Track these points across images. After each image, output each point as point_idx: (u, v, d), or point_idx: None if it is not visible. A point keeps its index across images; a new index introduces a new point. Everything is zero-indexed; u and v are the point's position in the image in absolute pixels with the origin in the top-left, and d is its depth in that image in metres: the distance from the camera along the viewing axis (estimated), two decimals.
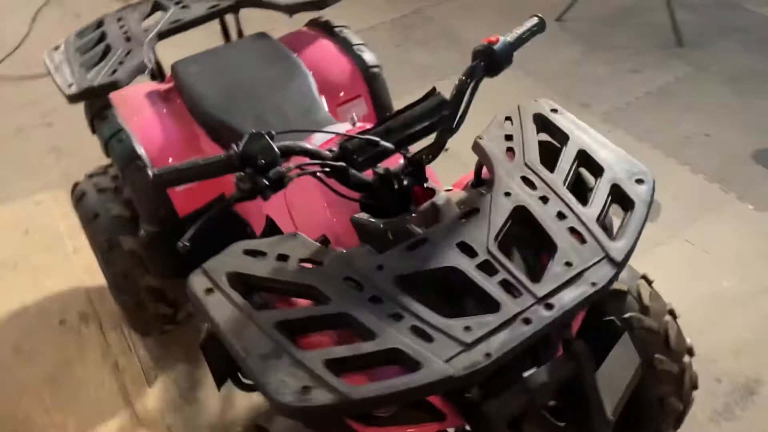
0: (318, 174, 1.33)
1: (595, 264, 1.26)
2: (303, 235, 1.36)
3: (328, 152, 1.33)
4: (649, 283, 1.78)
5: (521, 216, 1.36)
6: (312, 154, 1.31)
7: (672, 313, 1.76)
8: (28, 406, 2.29)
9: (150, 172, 1.21)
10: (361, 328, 1.18)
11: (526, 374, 1.30)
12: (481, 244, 1.30)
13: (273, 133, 1.24)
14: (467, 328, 1.17)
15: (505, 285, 1.24)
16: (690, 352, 1.76)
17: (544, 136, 1.56)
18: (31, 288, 2.72)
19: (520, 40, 1.50)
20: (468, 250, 1.29)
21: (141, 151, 1.89)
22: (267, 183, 1.19)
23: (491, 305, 1.21)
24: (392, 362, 1.15)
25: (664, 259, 2.75)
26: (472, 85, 1.46)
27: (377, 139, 1.33)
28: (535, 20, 1.55)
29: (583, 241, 1.30)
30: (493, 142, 1.52)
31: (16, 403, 2.30)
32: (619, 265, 1.26)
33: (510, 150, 1.50)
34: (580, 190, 1.46)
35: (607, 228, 1.34)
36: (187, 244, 1.16)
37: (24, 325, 2.57)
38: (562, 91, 3.83)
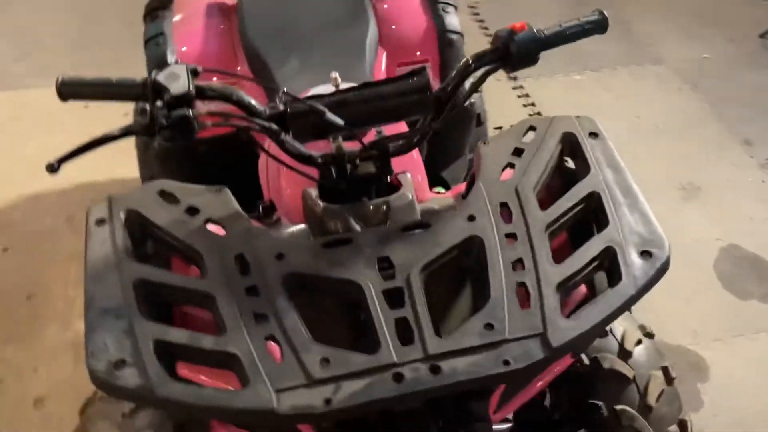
0: (251, 134, 1.15)
1: (522, 338, 0.97)
2: (228, 193, 1.19)
3: (266, 109, 1.14)
4: (670, 379, 1.41)
5: (471, 249, 1.09)
6: (244, 106, 1.13)
7: (684, 426, 1.38)
8: (54, 275, 2.39)
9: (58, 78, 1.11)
10: (217, 318, 1.01)
11: None
12: (405, 267, 1.06)
13: (199, 69, 1.08)
14: (325, 360, 0.96)
15: (402, 325, 1.00)
16: None
17: (568, 162, 1.25)
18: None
19: (561, 37, 1.19)
20: (387, 269, 1.06)
21: (171, 59, 1.81)
22: (167, 122, 1.03)
23: (372, 343, 0.98)
24: (226, 367, 0.97)
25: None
26: (478, 73, 1.18)
27: (323, 109, 1.11)
28: (594, 16, 1.22)
29: (526, 304, 1.01)
30: (496, 151, 1.24)
31: (46, 270, 2.41)
32: (554, 351, 0.96)
33: (510, 166, 1.20)
34: (580, 238, 1.14)
35: (566, 298, 1.03)
36: (56, 165, 1.05)
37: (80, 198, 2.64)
38: (729, 119, 3.23)
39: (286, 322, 1.00)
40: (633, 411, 1.35)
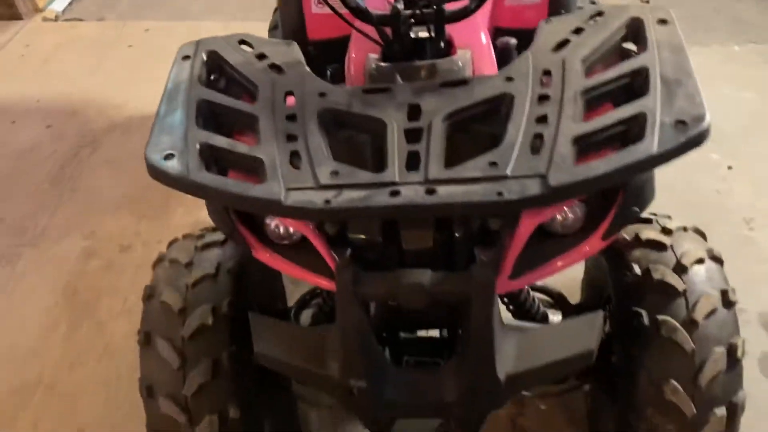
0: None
1: (522, 177, 0.99)
2: (296, 47, 1.31)
3: None
4: (727, 302, 1.31)
5: (501, 104, 1.11)
6: None
7: (733, 349, 1.28)
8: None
9: None
10: (256, 132, 1.13)
11: (404, 269, 1.11)
12: (432, 113, 1.11)
13: None
14: (335, 173, 1.04)
15: (413, 156, 1.05)
16: None
17: (629, 46, 1.21)
18: None
19: None
20: (414, 114, 1.12)
21: None
22: None
23: (381, 166, 1.05)
24: (253, 171, 1.09)
25: None
26: None
27: None
28: None
29: (536, 151, 1.02)
30: (556, 28, 1.23)
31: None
32: (551, 191, 0.96)
33: (565, 43, 1.20)
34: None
35: (586, 154, 1.02)
36: None
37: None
38: None
39: (311, 142, 1.10)
40: (675, 323, 1.28)
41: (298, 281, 2.09)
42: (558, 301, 1.59)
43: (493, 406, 1.17)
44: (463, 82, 1.16)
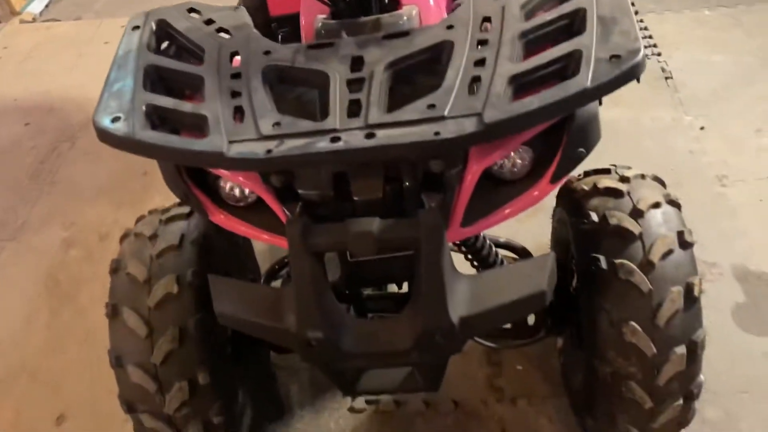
0: None
1: (459, 116, 1.00)
2: (244, 12, 1.32)
3: None
4: (684, 243, 1.33)
5: (441, 52, 1.12)
6: None
7: (690, 289, 1.30)
8: None
9: None
10: (201, 92, 1.15)
11: (353, 219, 1.12)
12: (373, 63, 1.12)
13: None
14: (277, 124, 1.06)
15: (354, 103, 1.06)
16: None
17: None
18: None
19: None
20: (357, 65, 1.13)
21: None
22: None
23: (325, 113, 1.06)
24: (198, 129, 1.10)
25: None
26: None
27: None
28: None
29: (473, 91, 1.03)
30: None
31: None
32: (487, 128, 0.98)
33: None
34: None
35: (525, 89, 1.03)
36: None
37: None
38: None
39: (255, 97, 1.11)
40: (632, 265, 1.30)
41: (269, 253, 2.13)
42: (522, 255, 1.61)
43: (449, 350, 1.19)
44: (405, 34, 1.18)
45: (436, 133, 0.98)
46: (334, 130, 1.03)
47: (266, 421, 1.79)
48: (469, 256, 1.54)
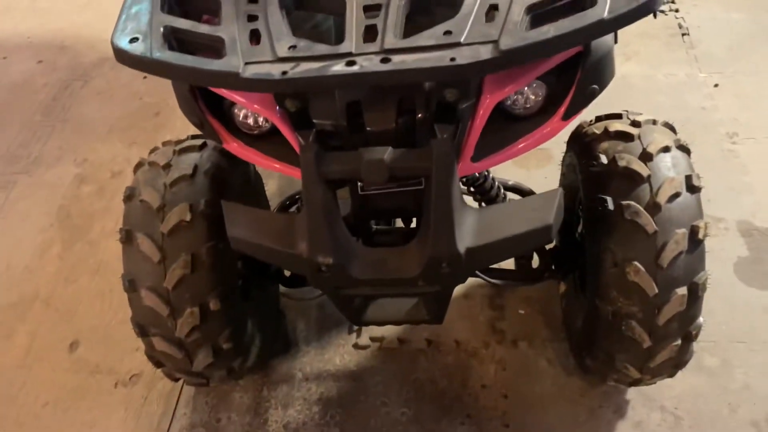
0: None
1: (475, 43, 1.01)
2: None
3: None
4: (691, 186, 1.34)
5: None
6: None
7: (694, 231, 1.31)
8: None
9: None
10: (218, 15, 1.15)
11: (366, 148, 1.13)
12: None
13: None
14: (293, 47, 1.06)
15: (370, 29, 1.07)
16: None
17: None
18: None
19: None
20: None
21: None
22: None
23: (341, 38, 1.07)
24: (214, 50, 1.11)
25: None
26: None
27: None
28: None
29: (490, 19, 1.04)
30: None
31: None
32: (502, 54, 0.98)
33: None
34: None
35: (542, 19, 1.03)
36: None
37: None
38: None
39: (271, 21, 1.12)
40: (638, 206, 1.31)
41: (278, 194, 2.15)
42: (528, 194, 1.62)
43: (455, 280, 1.21)
44: None
45: (452, 59, 0.99)
46: (350, 54, 1.03)
47: (273, 355, 1.84)
48: (478, 196, 1.56)
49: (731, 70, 2.60)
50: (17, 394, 1.89)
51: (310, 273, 1.21)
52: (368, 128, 1.15)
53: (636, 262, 1.31)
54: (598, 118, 1.54)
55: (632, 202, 1.32)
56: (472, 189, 1.53)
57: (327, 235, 1.17)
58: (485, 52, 0.99)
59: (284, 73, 1.02)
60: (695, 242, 1.32)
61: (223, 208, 1.31)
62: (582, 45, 1.13)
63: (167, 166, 1.49)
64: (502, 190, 1.56)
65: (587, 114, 1.32)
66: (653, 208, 1.31)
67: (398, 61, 1.01)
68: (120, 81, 2.90)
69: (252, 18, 1.13)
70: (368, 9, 1.10)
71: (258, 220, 1.29)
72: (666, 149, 1.38)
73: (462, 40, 1.01)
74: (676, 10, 2.90)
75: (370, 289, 1.25)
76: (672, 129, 1.49)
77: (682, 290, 1.32)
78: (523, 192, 1.66)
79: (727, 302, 1.87)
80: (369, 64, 1.01)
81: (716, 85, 2.54)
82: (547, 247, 1.62)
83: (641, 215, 1.31)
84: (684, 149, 1.42)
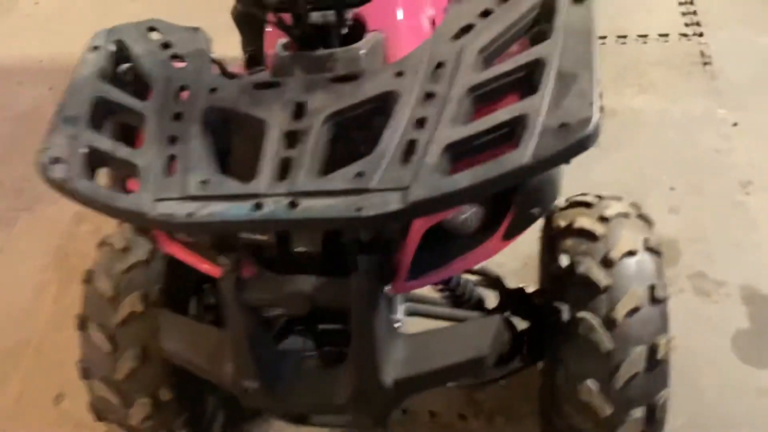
0: None
1: (385, 190, 0.94)
2: (202, 34, 1.27)
3: None
4: (654, 299, 1.25)
5: (387, 103, 1.05)
6: None
7: (653, 349, 1.23)
8: None
9: None
10: (142, 135, 1.12)
11: (287, 276, 1.09)
12: (316, 112, 1.06)
13: None
14: (204, 182, 1.02)
15: (285, 163, 1.01)
16: None
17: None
18: None
19: None
20: (299, 113, 1.07)
21: None
22: None
23: (253, 174, 1.02)
24: (134, 176, 1.07)
25: None
26: None
27: None
28: None
29: (406, 160, 0.97)
30: (464, 7, 1.14)
31: None
32: (410, 207, 0.91)
33: (469, 28, 1.11)
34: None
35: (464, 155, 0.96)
36: None
37: None
38: None
39: (190, 145, 1.07)
40: (593, 321, 1.23)
41: None
42: (495, 285, 1.55)
43: (385, 410, 1.17)
44: (353, 78, 1.10)
45: (358, 209, 0.93)
46: (259, 195, 0.98)
47: (243, 422, 1.83)
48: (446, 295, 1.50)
49: (754, 105, 2.42)
50: None
51: (239, 395, 1.18)
52: (295, 251, 1.11)
53: (588, 381, 1.23)
54: (569, 204, 1.45)
55: (587, 316, 1.24)
56: (439, 287, 1.47)
57: (251, 359, 1.14)
58: (393, 203, 0.92)
59: (190, 215, 0.98)
60: (655, 361, 1.23)
61: (159, 320, 1.29)
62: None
63: (125, 250, 1.48)
64: (471, 287, 1.49)
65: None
66: (609, 323, 1.23)
67: (305, 207, 0.95)
68: None
69: (173, 140, 1.09)
70: (289, 135, 1.05)
71: (192, 333, 1.27)
72: (631, 253, 1.29)
73: (372, 185, 0.95)
74: (701, 34, 2.72)
75: (301, 410, 1.22)
76: (647, 221, 1.39)
77: (639, 411, 1.24)
78: (489, 278, 1.58)
79: (720, 381, 1.76)
80: (276, 208, 0.96)
81: (735, 124, 2.37)
82: (519, 329, 1.55)
83: (596, 331, 1.23)
84: (653, 251, 1.32)
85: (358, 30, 1.25)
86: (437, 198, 0.92)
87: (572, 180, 2.24)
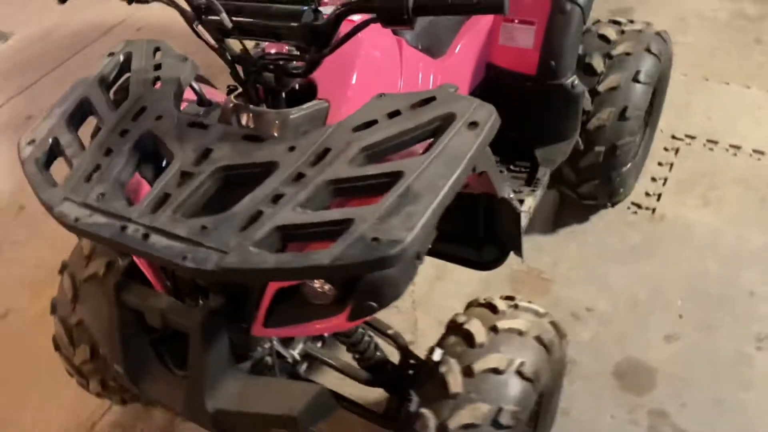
0: None
1: (213, 249, 1.06)
2: (189, 64, 1.45)
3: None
4: (499, 424, 1.26)
5: (266, 172, 1.17)
6: None
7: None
8: None
9: None
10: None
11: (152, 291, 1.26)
12: (215, 161, 1.21)
13: None
14: (102, 195, 1.20)
15: (164, 198, 1.17)
16: None
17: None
18: None
19: (440, 6, 1.08)
20: (202, 158, 1.22)
21: None
22: None
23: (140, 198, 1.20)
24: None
25: None
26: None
27: (220, 8, 1.24)
28: None
29: (245, 228, 1.08)
30: (381, 103, 1.22)
31: None
32: (220, 270, 1.03)
33: (371, 124, 1.19)
34: None
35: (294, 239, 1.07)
36: None
37: None
38: None
39: (116, 160, 1.27)
40: (430, 422, 1.27)
41: None
42: (402, 352, 1.59)
43: (213, 428, 1.30)
44: (260, 139, 1.23)
45: (183, 258, 1.07)
46: (129, 220, 1.15)
47: None
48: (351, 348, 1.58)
49: None
50: None
51: (112, 374, 1.39)
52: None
53: None
54: (482, 303, 1.46)
55: (427, 414, 1.28)
56: (341, 337, 1.55)
57: (119, 348, 1.33)
58: (210, 263, 1.05)
59: (77, 220, 1.18)
60: None
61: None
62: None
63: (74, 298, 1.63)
64: (373, 343, 1.56)
65: None
66: (443, 429, 1.26)
67: (152, 242, 1.10)
68: None
69: (108, 151, 1.29)
70: (183, 175, 1.20)
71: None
72: (496, 371, 1.30)
73: (205, 241, 1.08)
74: None
75: (153, 403, 1.39)
76: (545, 347, 1.38)
77: None
78: (398, 344, 1.63)
79: None
80: (133, 235, 1.13)
81: None
82: None
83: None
84: (525, 378, 1.31)
85: (312, 94, 1.36)
86: (245, 270, 1.03)
87: (585, 278, 2.18)
